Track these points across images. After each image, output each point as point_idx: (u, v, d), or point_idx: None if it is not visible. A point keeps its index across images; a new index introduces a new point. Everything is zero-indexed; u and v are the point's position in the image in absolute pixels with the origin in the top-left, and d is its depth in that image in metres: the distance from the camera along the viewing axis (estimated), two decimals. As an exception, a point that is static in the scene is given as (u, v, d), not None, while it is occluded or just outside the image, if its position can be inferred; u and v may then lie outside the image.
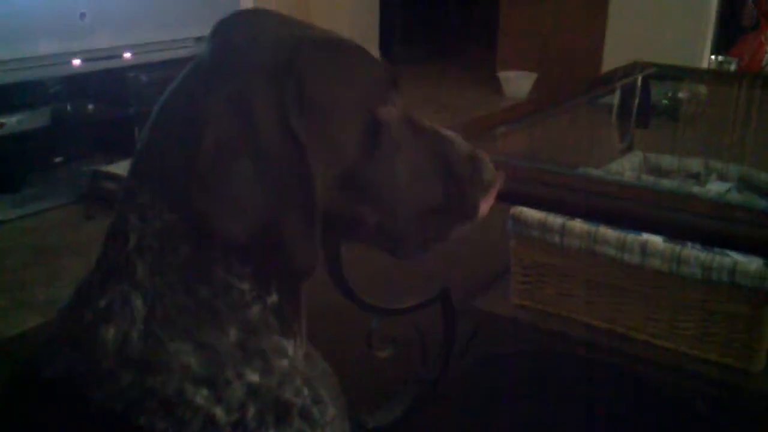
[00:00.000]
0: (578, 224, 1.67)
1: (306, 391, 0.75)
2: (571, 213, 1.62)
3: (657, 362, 1.60)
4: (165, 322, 0.69)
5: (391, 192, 0.77)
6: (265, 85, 0.69)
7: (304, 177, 0.69)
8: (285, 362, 0.74)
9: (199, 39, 3.54)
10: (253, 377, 0.71)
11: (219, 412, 0.69)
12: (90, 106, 3.24)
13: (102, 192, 3.02)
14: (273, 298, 0.74)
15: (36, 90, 3.11)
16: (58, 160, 3.26)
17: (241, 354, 0.71)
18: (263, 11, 0.79)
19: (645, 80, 2.70)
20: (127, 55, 3.25)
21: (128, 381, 0.68)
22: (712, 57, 4.88)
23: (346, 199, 0.75)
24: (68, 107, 3.18)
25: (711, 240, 1.51)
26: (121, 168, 3.07)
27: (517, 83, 5.14)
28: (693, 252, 1.56)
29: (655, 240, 1.60)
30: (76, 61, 3.07)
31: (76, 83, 3.23)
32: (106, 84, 3.28)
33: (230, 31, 0.75)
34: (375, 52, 0.82)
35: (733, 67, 4.86)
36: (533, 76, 5.13)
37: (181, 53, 3.49)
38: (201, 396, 0.68)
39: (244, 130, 0.67)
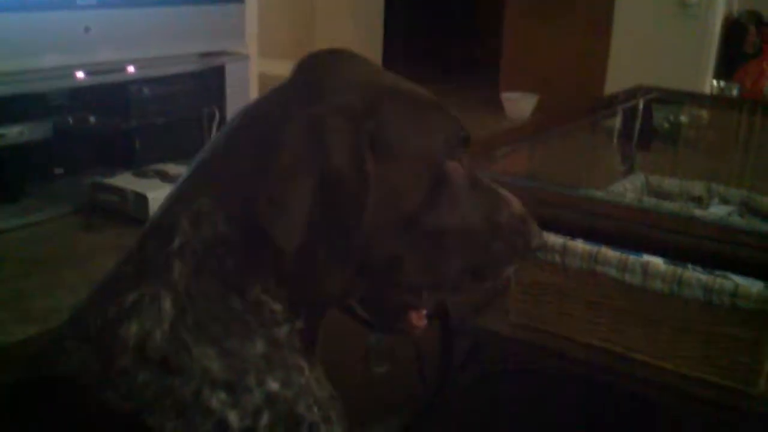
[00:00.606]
0: (579, 244, 1.66)
1: (316, 410, 0.75)
2: (573, 233, 1.62)
3: (657, 383, 1.59)
4: (193, 327, 0.70)
5: (438, 244, 0.78)
6: (346, 122, 0.71)
7: (357, 212, 0.71)
8: (302, 380, 0.75)
9: (202, 55, 3.55)
10: (274, 386, 0.72)
11: (232, 416, 0.69)
12: (92, 119, 3.24)
13: (101, 204, 3.02)
14: (299, 323, 0.76)
15: (38, 102, 3.11)
16: (58, 171, 3.25)
17: (265, 363, 0.72)
18: (347, 52, 0.82)
19: (647, 104, 2.71)
20: (131, 69, 3.26)
21: (143, 380, 0.68)
22: (714, 82, 4.90)
23: (395, 246, 0.76)
24: (70, 119, 3.17)
25: (713, 263, 1.51)
26: (121, 180, 3.07)
27: (520, 104, 5.15)
28: (694, 274, 1.55)
29: (657, 261, 1.59)
30: (80, 74, 3.07)
31: (79, 96, 3.23)
32: (108, 97, 3.28)
33: (315, 66, 0.78)
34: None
35: (734, 93, 4.88)
36: (535, 97, 5.14)
37: (185, 68, 3.50)
38: (217, 399, 0.69)
39: (318, 157, 0.69)
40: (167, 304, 0.70)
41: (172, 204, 0.75)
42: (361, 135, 0.71)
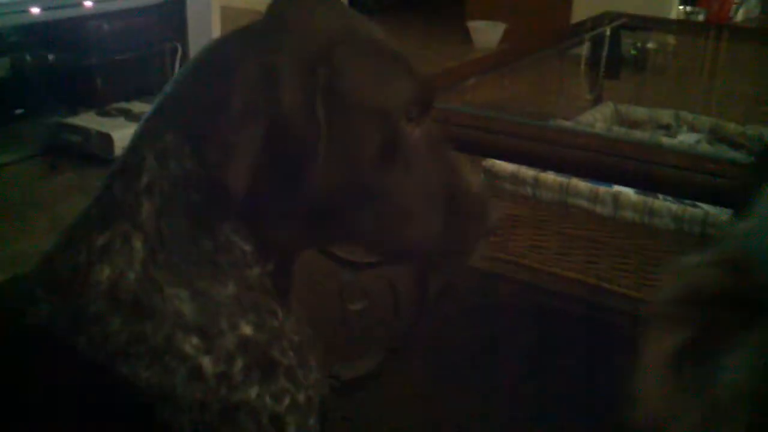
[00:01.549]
0: (550, 176, 1.67)
1: (292, 354, 0.75)
2: (543, 165, 1.62)
3: (628, 312, 1.62)
4: (164, 267, 0.69)
5: (392, 207, 0.77)
6: (300, 66, 0.69)
7: (311, 154, 0.69)
8: (276, 323, 0.74)
9: (162, -13, 3.45)
10: (247, 329, 0.71)
11: (206, 362, 0.68)
12: (50, 57, 3.15)
13: (66, 144, 2.96)
14: (270, 266, 0.75)
15: (-7, 39, 3.02)
16: (18, 112, 3.16)
17: (237, 305, 0.71)
18: None
19: (615, 31, 2.69)
20: (88, 3, 3.16)
21: (116, 326, 0.67)
22: (681, 7, 4.88)
23: (347, 200, 0.74)
24: (27, 57, 3.08)
25: (682, 192, 1.52)
26: (84, 120, 3.00)
27: (487, 33, 5.10)
28: (665, 204, 1.57)
29: (627, 192, 1.61)
30: (35, 10, 2.97)
31: (36, 32, 3.14)
32: (66, 33, 3.18)
33: (283, 9, 0.75)
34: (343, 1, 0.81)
35: (701, 18, 4.87)
36: (502, 26, 5.09)
37: (144, 2, 3.40)
38: (190, 344, 0.68)
39: (269, 103, 0.68)
40: (138, 245, 0.69)
41: (137, 142, 0.74)
42: (312, 81, 0.69)
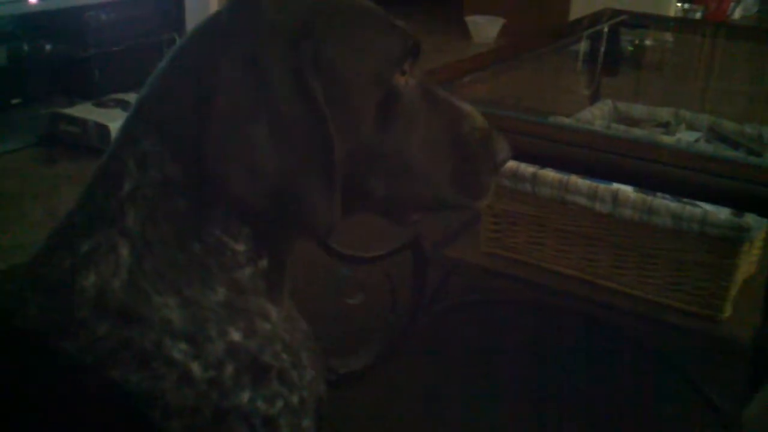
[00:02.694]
0: (550, 173, 1.66)
1: (285, 356, 0.74)
2: (543, 162, 1.62)
3: (626, 310, 1.62)
4: (151, 274, 0.68)
5: (403, 165, 0.76)
6: (282, 47, 0.67)
7: (324, 138, 0.67)
8: (268, 326, 0.73)
9: (160, -23, 3.44)
10: (236, 336, 0.70)
11: (195, 367, 0.67)
12: (48, 46, 3.14)
13: (62, 135, 2.95)
14: (263, 263, 0.73)
15: (-10, 28, 3.01)
16: (15, 101, 3.16)
17: (226, 312, 0.70)
18: None
19: (614, 28, 2.68)
20: (86, -7, 3.15)
21: (104, 331, 0.66)
22: (678, 5, 4.88)
23: (356, 170, 0.73)
24: (25, 47, 3.07)
25: (681, 190, 1.52)
26: (81, 110, 3.00)
27: (485, 28, 5.09)
28: (663, 202, 1.57)
29: (626, 189, 1.61)
30: (33, 0, 2.96)
31: (33, 22, 3.12)
32: (64, 23, 3.17)
33: None
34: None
35: (698, 16, 4.88)
36: (501, 21, 5.09)
37: (142, -8, 3.40)
38: (179, 350, 0.67)
39: (260, 92, 0.66)
40: (124, 252, 0.68)
41: (116, 147, 0.72)
42: (298, 57, 0.67)
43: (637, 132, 2.06)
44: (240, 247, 0.71)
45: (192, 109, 0.67)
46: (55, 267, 0.69)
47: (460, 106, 0.81)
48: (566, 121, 2.02)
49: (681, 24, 3.98)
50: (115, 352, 0.66)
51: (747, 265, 1.62)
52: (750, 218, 1.54)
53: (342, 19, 0.72)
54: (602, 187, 1.61)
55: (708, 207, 1.57)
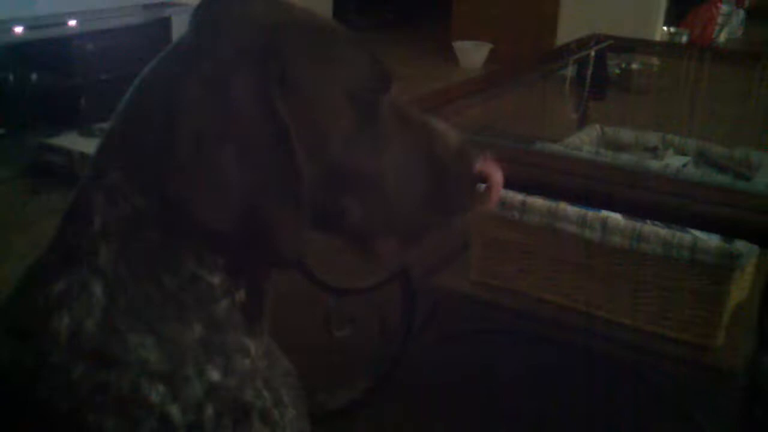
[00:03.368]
0: (538, 201, 1.65)
1: (266, 393, 0.72)
2: (532, 190, 1.61)
3: (617, 339, 1.60)
4: (126, 313, 0.65)
5: (375, 185, 0.73)
6: (246, 66, 0.65)
7: (291, 161, 0.65)
8: (247, 362, 0.71)
9: (146, 6, 3.44)
10: (214, 376, 0.68)
11: (174, 411, 0.65)
12: (34, 76, 3.12)
13: (48, 165, 2.93)
14: (241, 294, 0.71)
15: (-25, 59, 3.00)
16: (1, 132, 3.14)
17: (203, 351, 0.68)
18: None
19: (601, 53, 2.69)
20: (72, 22, 3.14)
21: (78, 374, 0.64)
22: (665, 29, 4.91)
23: (328, 191, 0.70)
24: (11, 77, 3.06)
25: (671, 218, 1.51)
26: (67, 140, 2.98)
27: (473, 53, 5.11)
28: (653, 229, 1.56)
29: (616, 217, 1.59)
30: (18, 29, 2.95)
31: (19, 52, 3.11)
32: (50, 53, 3.16)
33: (212, 12, 0.70)
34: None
35: (684, 39, 4.91)
36: (488, 46, 5.11)
37: (129, 21, 3.39)
38: (156, 393, 0.65)
39: (223, 114, 0.63)
40: (97, 291, 0.66)
41: (86, 182, 0.70)
42: (264, 77, 0.65)
43: (625, 158, 2.06)
44: (215, 280, 0.68)
45: (156, 135, 0.65)
46: (28, 309, 0.67)
47: (433, 124, 0.78)
48: (554, 147, 2.01)
49: (667, 48, 4.00)
50: (91, 397, 0.63)
51: (739, 291, 1.60)
52: (741, 244, 1.52)
53: (310, 39, 0.70)
54: (591, 214, 1.60)
55: (698, 233, 1.55)
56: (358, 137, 0.71)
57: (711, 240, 1.54)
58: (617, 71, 4.17)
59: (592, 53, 2.73)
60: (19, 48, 3.09)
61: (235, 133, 0.63)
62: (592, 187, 1.48)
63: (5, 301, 0.70)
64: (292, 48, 0.68)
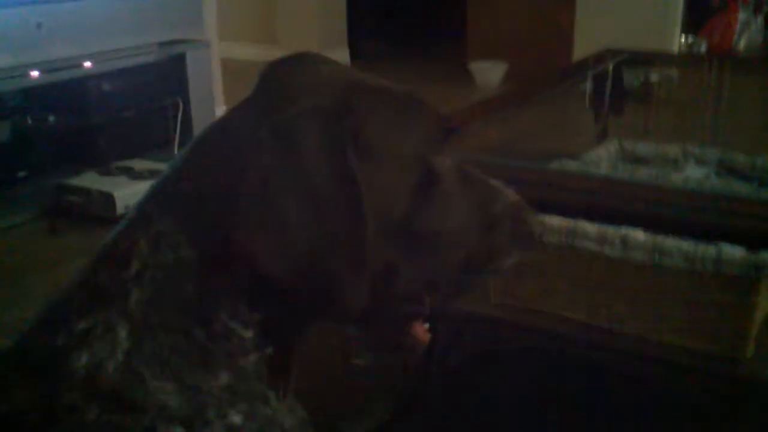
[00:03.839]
0: (556, 219, 1.62)
1: None
2: (550, 210, 1.59)
3: (644, 356, 1.57)
4: (151, 359, 0.65)
5: (434, 244, 0.74)
6: (321, 122, 0.66)
7: (358, 217, 0.66)
8: (268, 410, 0.70)
9: (161, 44, 3.47)
10: (236, 419, 0.67)
11: None
12: (51, 118, 3.16)
13: (67, 206, 2.95)
14: (269, 350, 0.71)
15: (-6, 104, 3.04)
16: (21, 174, 3.17)
17: (227, 395, 0.67)
18: (312, 55, 0.76)
19: (617, 66, 2.68)
20: (87, 63, 3.17)
21: (92, 416, 0.62)
22: (683, 38, 4.87)
23: (383, 248, 0.71)
24: (29, 120, 3.10)
25: (695, 232, 1.48)
26: (86, 180, 3.00)
27: (489, 73, 5.11)
28: (675, 243, 1.52)
29: (636, 232, 1.56)
30: (35, 73, 2.99)
31: (36, 95, 3.15)
32: (66, 94, 3.20)
33: (282, 71, 0.72)
34: (343, 47, 0.79)
35: (703, 49, 4.86)
36: (504, 65, 5.10)
37: (144, 60, 3.42)
38: None
39: (295, 167, 0.64)
40: (122, 334, 0.65)
41: (128, 226, 0.70)
42: (339, 135, 0.66)
43: (644, 172, 2.02)
44: (248, 334, 0.68)
45: (217, 188, 0.66)
46: (47, 346, 0.66)
47: (493, 184, 0.80)
48: (572, 164, 1.99)
49: (686, 58, 3.98)
50: None
51: (766, 301, 1.56)
52: (766, 254, 1.48)
53: (380, 101, 0.72)
54: (611, 230, 1.57)
55: (722, 245, 1.51)
56: (424, 196, 0.72)
57: (735, 251, 1.49)
58: (636, 84, 4.13)
59: (610, 67, 2.72)
60: (36, 91, 3.13)
61: (306, 186, 0.64)
62: (610, 203, 1.46)
63: (25, 335, 0.70)
64: (365, 108, 0.69)
